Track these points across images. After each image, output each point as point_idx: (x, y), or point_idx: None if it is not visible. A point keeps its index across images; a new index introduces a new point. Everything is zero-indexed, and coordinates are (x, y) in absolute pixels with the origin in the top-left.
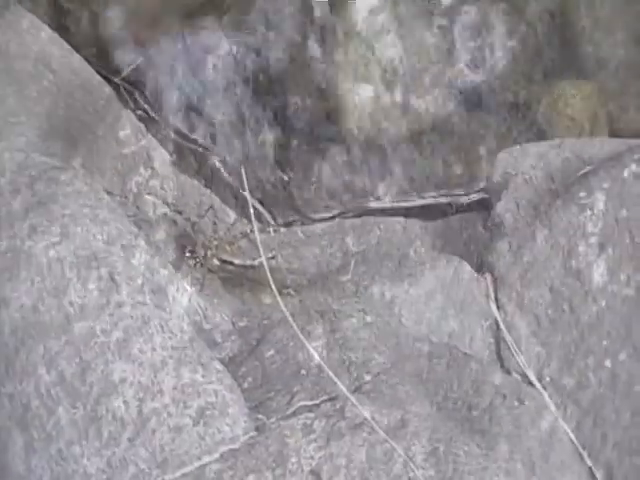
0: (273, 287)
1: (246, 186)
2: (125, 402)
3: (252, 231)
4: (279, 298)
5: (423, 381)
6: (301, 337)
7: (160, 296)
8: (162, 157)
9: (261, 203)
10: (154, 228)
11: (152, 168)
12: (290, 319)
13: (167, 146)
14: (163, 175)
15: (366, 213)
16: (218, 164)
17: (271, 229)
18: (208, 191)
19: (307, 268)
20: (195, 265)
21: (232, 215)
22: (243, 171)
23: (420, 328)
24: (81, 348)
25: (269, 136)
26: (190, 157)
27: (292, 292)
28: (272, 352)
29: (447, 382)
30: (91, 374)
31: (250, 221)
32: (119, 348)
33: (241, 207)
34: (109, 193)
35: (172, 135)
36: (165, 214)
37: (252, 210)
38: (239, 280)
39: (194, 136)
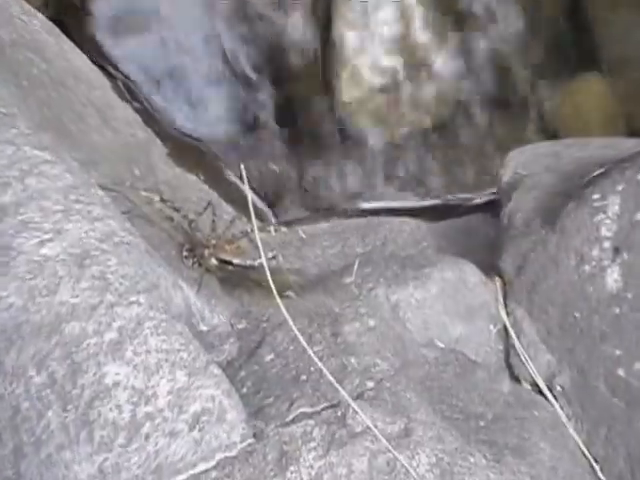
0: (273, 288)
1: (246, 182)
2: (118, 406)
3: (252, 230)
4: (279, 300)
5: (428, 388)
6: (302, 341)
7: (155, 296)
8: (159, 151)
9: (262, 200)
10: (150, 225)
11: (148, 162)
12: (290, 322)
13: (164, 140)
14: (160, 170)
15: (371, 212)
16: (217, 159)
17: (272, 228)
18: (206, 187)
19: (309, 269)
20: (192, 264)
21: (231, 213)
22: (242, 167)
23: (426, 333)
24: (72, 349)
25: (271, 130)
26: (188, 151)
27: (293, 294)
28: (272, 356)
29: (453, 390)
30: (83, 376)
31: (250, 219)
32: (112, 350)
33: (241, 204)
34: (103, 188)
35: (169, 128)
36: (161, 210)
37: (252, 208)
38: (238, 281)
39: (192, 129)
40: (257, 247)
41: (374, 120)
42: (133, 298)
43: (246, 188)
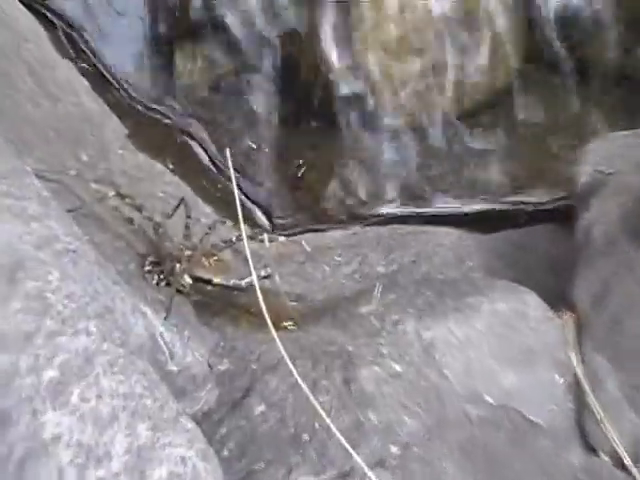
0: (267, 318)
1: (232, 174)
2: (59, 469)
3: (239, 238)
4: (275, 333)
5: (471, 457)
6: (304, 388)
7: (110, 323)
8: (114, 129)
9: (253, 200)
10: (101, 229)
11: (99, 144)
12: (289, 363)
13: (122, 114)
14: (115, 155)
15: (399, 220)
16: (192, 142)
17: (266, 237)
18: (177, 179)
19: (314, 293)
20: (158, 283)
21: (211, 215)
22: (228, 153)
23: (469, 383)
24: None
25: (266, 103)
26: (153, 130)
27: (293, 325)
28: (263, 408)
29: (505, 460)
30: (13, 429)
31: (237, 224)
32: (52, 393)
33: (224, 204)
34: (41, 177)
35: (129, 98)
36: (118, 209)
37: (239, 208)
38: (219, 306)
39: (159, 101)
40: (246, 261)
41: (399, 96)
42: (81, 325)
43: (233, 181)
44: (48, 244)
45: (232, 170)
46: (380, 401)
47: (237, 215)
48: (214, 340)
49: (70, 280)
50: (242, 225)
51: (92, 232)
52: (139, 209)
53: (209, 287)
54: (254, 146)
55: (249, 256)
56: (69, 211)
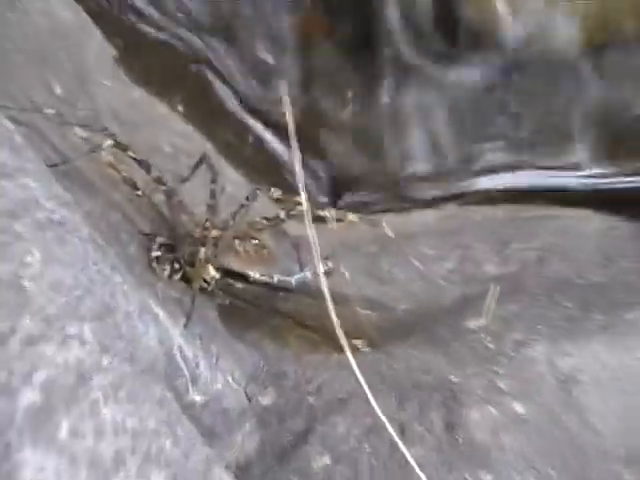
0: (340, 333)
1: (291, 121)
2: None
3: (291, 214)
4: (350, 356)
5: None
6: (391, 434)
7: (110, 328)
8: (98, 51)
9: (307, 164)
10: (90, 194)
11: (78, 72)
12: (371, 399)
13: (109, 28)
14: (100, 87)
15: (517, 198)
16: (211, 74)
17: (329, 215)
18: (190, 127)
19: (396, 300)
20: (171, 275)
21: (240, 181)
22: (285, 87)
23: (626, 437)
24: None
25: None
26: (155, 55)
27: (366, 345)
28: (327, 460)
29: None
30: None
31: (286, 194)
32: (32, 423)
33: (259, 165)
34: (16, 122)
35: (126, 16)
36: (114, 167)
37: (299, 169)
38: (256, 313)
39: (164, 13)
40: (293, 250)
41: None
42: (72, 329)
43: (290, 129)
44: (25, 212)
45: (291, 117)
46: (497, 456)
47: (282, 183)
48: (252, 361)
49: (56, 264)
50: (304, 197)
51: (82, 199)
52: (146, 166)
53: (243, 285)
54: (306, 82)
55: (313, 238)
56: (52, 166)
